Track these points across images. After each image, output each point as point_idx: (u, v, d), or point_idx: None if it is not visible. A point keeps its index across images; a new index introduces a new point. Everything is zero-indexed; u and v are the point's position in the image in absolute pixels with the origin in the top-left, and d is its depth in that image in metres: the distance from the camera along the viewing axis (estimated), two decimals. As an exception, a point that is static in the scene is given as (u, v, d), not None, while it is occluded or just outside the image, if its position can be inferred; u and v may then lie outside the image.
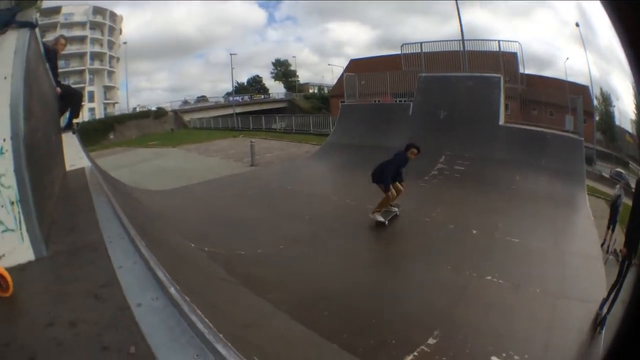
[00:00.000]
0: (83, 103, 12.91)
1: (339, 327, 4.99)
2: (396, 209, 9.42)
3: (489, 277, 6.64)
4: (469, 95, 16.30)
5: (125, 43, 37.82)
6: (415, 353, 4.63)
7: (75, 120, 9.14)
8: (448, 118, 15.91)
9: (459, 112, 15.80)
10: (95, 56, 36.52)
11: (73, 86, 13.62)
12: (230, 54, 41.27)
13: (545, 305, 6.05)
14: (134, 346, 2.50)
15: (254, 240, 7.78)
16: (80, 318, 2.83)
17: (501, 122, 15.48)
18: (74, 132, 8.91)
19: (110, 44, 37.26)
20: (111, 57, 37.60)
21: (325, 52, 58.43)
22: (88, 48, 35.78)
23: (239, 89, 45.80)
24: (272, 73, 49.68)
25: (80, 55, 35.42)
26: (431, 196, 11.32)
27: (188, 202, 10.45)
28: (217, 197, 11.30)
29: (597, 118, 31.61)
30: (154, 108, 39.16)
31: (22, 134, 3.86)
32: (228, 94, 43.83)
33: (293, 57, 49.14)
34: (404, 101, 19.44)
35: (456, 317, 5.59)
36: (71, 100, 8.76)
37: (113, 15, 36.80)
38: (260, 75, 49.48)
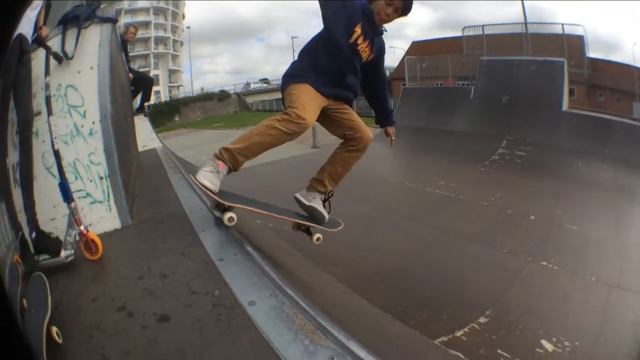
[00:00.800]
0: (159, 89, 13.67)
1: (394, 301, 5.25)
2: None
3: (544, 263, 6.74)
4: (531, 80, 16.15)
5: (188, 27, 38.59)
6: (466, 329, 4.87)
7: (146, 104, 9.76)
8: (510, 102, 15.84)
9: (522, 96, 15.68)
10: (159, 40, 37.37)
11: (142, 71, 14.19)
12: (292, 37, 41.38)
13: (599, 295, 6.12)
14: (218, 290, 2.96)
15: None
16: (170, 271, 3.28)
17: (565, 107, 15.35)
18: (145, 115, 9.57)
19: (174, 29, 38.04)
20: (175, 41, 38.36)
21: (386, 33, 58.00)
22: (152, 33, 36.68)
23: None
24: None
25: (145, 40, 36.37)
26: (490, 181, 11.32)
27: (251, 182, 10.28)
28: (279, 178, 11.63)
29: None
30: (217, 91, 39.83)
31: (109, 117, 4.44)
32: None
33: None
34: (466, 84, 19.36)
35: (509, 299, 5.75)
36: (143, 84, 9.42)
37: (176, 0, 37.56)
38: None
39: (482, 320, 5.08)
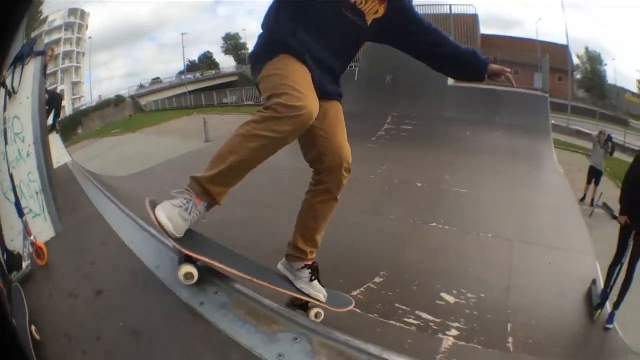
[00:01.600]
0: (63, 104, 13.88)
1: None
2: None
3: (434, 224, 7.13)
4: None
5: (90, 38, 37.01)
6: (362, 289, 5.17)
7: (57, 121, 9.90)
8: (394, 82, 16.31)
9: (406, 75, 16.00)
10: (66, 55, 35.68)
11: (51, 89, 14.57)
12: (182, 34, 40.67)
13: (501, 250, 6.53)
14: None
15: (216, 209, 8.08)
16: (97, 258, 4.11)
17: (450, 83, 15.64)
18: (57, 132, 9.53)
19: (78, 41, 36.45)
20: (78, 54, 36.79)
21: None
22: (61, 49, 35.02)
23: (191, 67, 45.11)
24: (222, 48, 49.19)
25: (55, 57, 34.69)
26: (377, 155, 11.55)
27: (148, 186, 10.46)
28: (177, 175, 11.33)
29: (578, 76, 32.63)
30: (113, 96, 38.51)
31: (40, 139, 5.00)
32: (180, 73, 43.22)
33: (243, 30, 48.77)
34: (354, 67, 19.50)
35: (402, 260, 6.05)
36: (54, 102, 10.06)
37: (83, 14, 35.97)
38: (211, 52, 48.95)
39: (377, 280, 5.41)
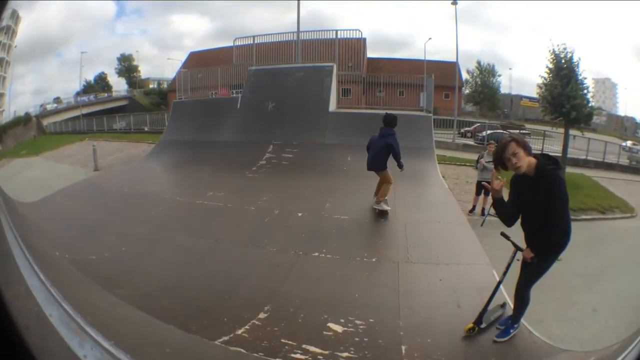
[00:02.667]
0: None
1: (175, 312, 5.35)
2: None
3: (316, 253, 7.06)
4: (298, 86, 16.92)
5: (16, 46, 34.89)
6: (247, 326, 5.03)
7: None
8: (276, 109, 16.40)
9: (288, 102, 16.34)
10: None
11: None
12: (81, 52, 39.56)
13: (388, 273, 6.48)
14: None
15: (102, 244, 8.01)
16: None
17: (332, 108, 16.28)
18: None
19: (9, 48, 34.05)
20: (6, 62, 34.42)
21: (166, 44, 58.01)
22: None
23: (87, 88, 44.09)
24: (116, 69, 48.40)
25: None
26: (257, 186, 11.66)
27: (49, 213, 10.55)
28: (69, 205, 11.38)
29: (467, 91, 34.25)
30: (23, 114, 36.93)
31: None
32: (77, 94, 42.03)
33: (136, 51, 48.19)
34: (239, 93, 19.44)
35: (286, 292, 5.96)
36: None
37: (17, 17, 33.68)
38: (106, 72, 48.04)
39: (261, 315, 5.29)
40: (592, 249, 9.19)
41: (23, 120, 36.14)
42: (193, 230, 8.67)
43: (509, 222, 4.91)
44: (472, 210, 12.62)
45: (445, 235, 8.10)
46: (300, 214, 9.06)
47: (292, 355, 4.64)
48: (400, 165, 8.96)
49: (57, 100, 42.19)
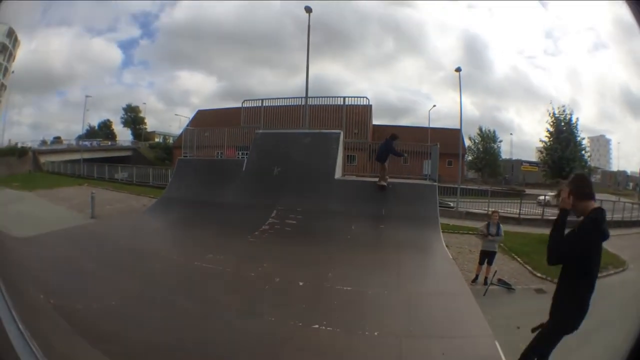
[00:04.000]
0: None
1: None
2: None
3: (316, 326, 6.80)
4: (304, 152, 17.09)
5: (13, 72, 35.09)
6: None
7: None
8: (282, 174, 16.52)
9: (294, 168, 16.46)
10: None
11: None
12: (86, 96, 40.00)
13: (388, 347, 6.24)
14: None
15: (92, 294, 7.85)
16: None
17: (337, 175, 16.40)
18: None
19: (5, 71, 34.17)
20: (2, 85, 34.52)
21: (172, 100, 59.08)
22: None
23: (90, 133, 44.46)
24: (122, 118, 48.89)
25: None
26: (259, 251, 11.49)
27: (40, 253, 10.52)
28: (62, 249, 11.22)
29: (469, 158, 34.51)
30: (19, 146, 37.60)
31: None
32: (79, 137, 42.30)
33: (144, 103, 48.84)
34: (245, 155, 19.52)
35: None
36: None
37: (16, 40, 33.90)
38: (111, 120, 48.51)
39: None
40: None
41: (18, 152, 36.99)
42: (188, 292, 8.49)
43: (553, 254, 4.78)
44: (475, 280, 12.50)
45: (449, 308, 7.87)
46: (301, 283, 8.89)
47: None
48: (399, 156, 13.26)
49: (57, 139, 42.57)
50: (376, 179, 16.04)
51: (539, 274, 13.44)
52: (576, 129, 20.11)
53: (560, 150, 19.99)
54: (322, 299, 8.17)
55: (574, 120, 20.04)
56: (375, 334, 6.62)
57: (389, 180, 15.45)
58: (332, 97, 21.76)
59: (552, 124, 20.49)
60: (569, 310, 4.61)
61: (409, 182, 15.89)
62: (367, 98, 21.62)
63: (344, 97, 20.80)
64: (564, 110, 20.19)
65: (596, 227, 4.47)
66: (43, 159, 38.68)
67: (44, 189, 26.94)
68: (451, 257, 11.96)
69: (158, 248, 12.09)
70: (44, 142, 40.90)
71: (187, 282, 9.10)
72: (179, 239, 13.73)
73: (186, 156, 21.36)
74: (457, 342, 6.41)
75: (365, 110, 22.85)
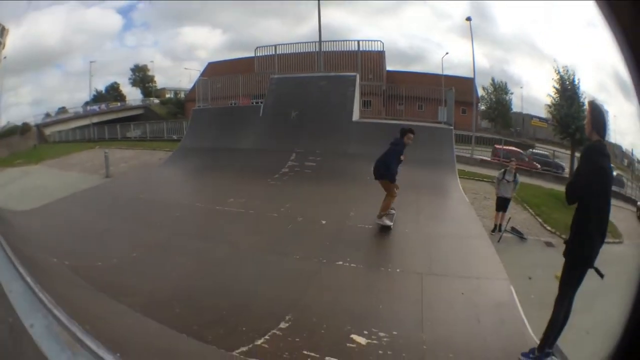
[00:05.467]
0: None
1: (190, 321, 5.17)
2: (394, 211, 9.09)
3: (340, 262, 6.93)
4: (321, 95, 17.04)
5: (5, 57, 35.15)
6: (267, 337, 4.85)
7: None
8: (299, 117, 16.54)
9: (311, 111, 16.44)
10: None
11: None
12: (90, 62, 39.72)
13: (410, 283, 6.36)
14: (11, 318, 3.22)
15: (111, 250, 7.88)
16: None
17: (355, 118, 16.37)
18: None
19: None
20: None
21: (178, 56, 58.22)
22: None
23: (97, 98, 44.10)
24: (130, 79, 48.50)
25: None
26: (280, 193, 11.64)
27: (50, 220, 10.39)
28: (75, 212, 11.23)
29: (482, 107, 34.26)
30: (20, 124, 37.03)
31: None
32: (87, 103, 42.00)
33: (151, 61, 48.35)
34: (260, 102, 19.46)
35: (307, 302, 5.81)
36: None
37: (3, 29, 34.05)
38: (118, 82, 48.13)
39: (282, 325, 5.11)
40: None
41: (19, 130, 35.76)
42: (212, 237, 8.59)
43: (567, 192, 4.62)
44: (494, 230, 12.54)
45: (467, 249, 7.97)
46: (324, 222, 9.00)
47: (315, 368, 4.53)
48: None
49: (62, 109, 42.14)
50: (390, 121, 16.06)
51: (548, 227, 13.53)
52: (579, 89, 19.95)
53: (566, 107, 19.80)
54: (344, 237, 8.24)
55: (576, 81, 19.84)
56: (398, 270, 6.78)
57: (408, 123, 15.16)
58: (346, 40, 21.76)
59: (557, 81, 20.27)
60: (580, 242, 4.45)
61: (426, 126, 15.81)
62: (381, 42, 21.54)
63: (358, 41, 20.74)
64: (567, 70, 19.98)
65: (590, 156, 4.47)
66: (48, 131, 37.79)
67: (52, 159, 26.49)
68: (468, 200, 12.01)
69: (178, 197, 12.27)
70: (47, 115, 40.46)
71: (210, 227, 9.24)
72: (199, 187, 13.78)
73: (200, 107, 21.33)
74: (475, 282, 6.50)
75: (379, 56, 22.90)
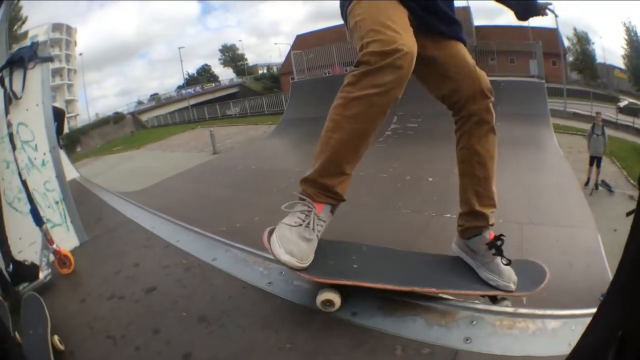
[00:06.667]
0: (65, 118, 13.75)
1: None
2: None
3: (448, 215, 7.24)
4: None
5: (81, 54, 36.94)
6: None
7: (60, 136, 9.74)
8: None
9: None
10: (56, 72, 35.46)
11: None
12: (179, 47, 40.67)
13: (511, 232, 6.23)
14: (185, 259, 3.86)
15: (232, 217, 8.44)
16: (140, 259, 4.19)
17: None
18: (61, 147, 9.50)
19: (68, 57, 36.24)
20: (69, 71, 36.56)
21: (263, 32, 58.66)
22: (49, 66, 34.82)
23: (190, 81, 44.67)
24: (220, 60, 48.87)
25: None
26: (386, 154, 11.90)
27: (165, 197, 11.05)
28: (190, 187, 12.00)
29: (570, 58, 33.19)
30: (112, 114, 38.40)
31: (56, 147, 5.12)
32: (180, 87, 42.73)
33: (240, 40, 48.65)
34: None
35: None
36: (57, 116, 9.50)
37: (69, 29, 35.93)
38: (209, 64, 48.56)
39: None
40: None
41: (112, 119, 36.73)
42: (328, 199, 9.20)
43: None
44: (587, 183, 12.82)
45: (562, 200, 8.41)
46: (430, 179, 9.42)
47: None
48: None
49: (154, 96, 42.77)
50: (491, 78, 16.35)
51: (632, 181, 13.62)
52: None
53: (636, 59, 19.06)
54: (450, 192, 8.09)
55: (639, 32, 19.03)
56: (500, 221, 6.96)
57: (502, 79, 15.57)
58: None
59: (626, 31, 19.52)
60: None
61: (519, 80, 16.16)
62: (466, -4, 21.56)
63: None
64: (630, 21, 19.19)
65: None
66: (145, 117, 39.16)
67: (154, 142, 27.51)
68: (562, 154, 12.28)
69: (289, 165, 12.75)
70: (140, 103, 40.97)
71: (322, 189, 9.84)
72: (306, 155, 13.34)
73: (295, 79, 21.84)
74: (568, 231, 6.98)
75: (465, 12, 22.83)
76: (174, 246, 4.17)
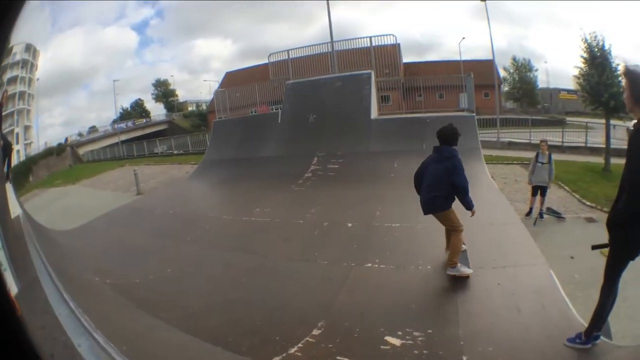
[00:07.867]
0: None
1: (225, 332, 5.30)
2: (465, 246, 6.91)
3: (369, 265, 6.97)
4: (337, 96, 17.09)
5: (38, 79, 36.14)
6: (300, 345, 4.87)
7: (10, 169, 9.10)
8: (318, 120, 16.63)
9: (329, 113, 16.53)
10: (21, 96, 34.65)
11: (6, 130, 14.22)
12: (113, 80, 40.58)
13: (442, 279, 6.33)
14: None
15: (146, 267, 8.14)
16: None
17: (374, 116, 16.33)
18: (9, 182, 8.88)
19: (30, 82, 35.33)
20: (29, 95, 35.62)
21: (195, 68, 60.18)
22: (18, 88, 33.86)
23: (124, 115, 45.15)
24: (152, 94, 49.46)
25: (11, 97, 33.56)
26: (304, 199, 11.79)
27: (89, 239, 10.88)
28: (111, 230, 11.63)
29: (505, 88, 33.87)
30: (55, 144, 38.06)
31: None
32: (114, 122, 43.08)
33: (171, 76, 49.28)
34: (278, 109, 19.60)
35: (339, 306, 5.83)
36: (6, 148, 8.69)
37: (35, 51, 34.95)
38: (142, 99, 49.07)
39: (315, 332, 5.13)
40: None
41: (56, 150, 37.14)
42: (241, 248, 8.67)
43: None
44: (528, 214, 12.27)
45: (500, 237, 7.85)
46: (350, 225, 9.01)
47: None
48: (468, 205, 6.58)
49: (92, 129, 43.21)
50: (411, 114, 15.97)
51: (588, 203, 13.19)
52: (610, 55, 19.45)
53: (596, 76, 19.38)
54: (372, 238, 8.23)
55: (606, 46, 19.39)
56: (428, 267, 6.72)
57: (428, 115, 15.32)
58: (358, 38, 21.81)
59: (585, 49, 19.86)
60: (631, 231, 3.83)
61: (447, 116, 15.65)
62: (394, 36, 21.44)
63: (371, 37, 20.68)
64: (595, 37, 19.59)
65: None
66: (81, 151, 39.51)
67: (87, 178, 27.59)
68: (497, 187, 11.98)
69: (206, 210, 12.42)
70: (79, 135, 41.51)
71: (239, 239, 9.29)
72: (225, 198, 14.06)
73: (220, 118, 21.50)
74: (512, 271, 6.39)
75: (393, 50, 22.80)
76: (57, 319, 3.64)
